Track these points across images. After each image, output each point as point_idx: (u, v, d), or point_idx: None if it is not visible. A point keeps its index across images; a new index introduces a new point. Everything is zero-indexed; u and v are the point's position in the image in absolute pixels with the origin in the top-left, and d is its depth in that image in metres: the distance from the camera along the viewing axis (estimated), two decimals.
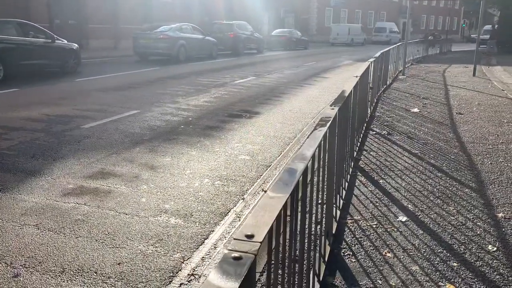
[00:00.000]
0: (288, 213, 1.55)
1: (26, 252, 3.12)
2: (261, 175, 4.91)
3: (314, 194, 2.32)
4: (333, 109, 2.91)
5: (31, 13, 19.22)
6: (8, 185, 4.34)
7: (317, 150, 2.16)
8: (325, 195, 2.80)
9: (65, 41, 13.63)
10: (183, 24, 19.32)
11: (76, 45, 14.11)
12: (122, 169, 4.90)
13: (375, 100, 8.78)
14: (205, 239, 3.43)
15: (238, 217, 3.85)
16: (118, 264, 3.01)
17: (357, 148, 5.43)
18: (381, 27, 45.23)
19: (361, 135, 6.06)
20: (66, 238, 3.33)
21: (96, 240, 3.31)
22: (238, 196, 4.29)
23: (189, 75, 13.72)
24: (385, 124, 7.13)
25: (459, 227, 3.51)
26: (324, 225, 2.86)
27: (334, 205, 3.29)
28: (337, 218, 3.47)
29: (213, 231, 3.57)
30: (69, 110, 7.84)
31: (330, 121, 2.53)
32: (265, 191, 4.42)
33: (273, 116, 8.00)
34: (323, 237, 2.85)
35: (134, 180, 4.60)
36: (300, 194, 1.77)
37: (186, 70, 15.21)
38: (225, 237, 3.47)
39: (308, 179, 1.97)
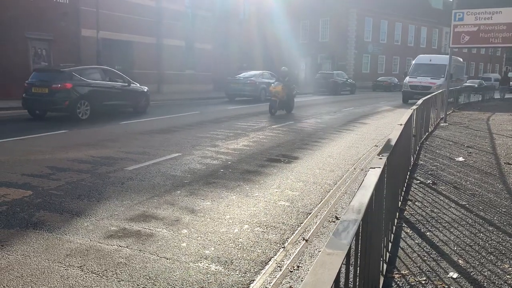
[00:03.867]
0: (343, 270, 1.50)
1: None
2: (301, 223, 4.81)
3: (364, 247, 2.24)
4: (381, 158, 2.86)
5: (82, 59, 20.42)
6: (55, 225, 4.46)
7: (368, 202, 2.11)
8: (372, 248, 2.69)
9: (138, 85, 14.97)
10: (264, 72, 23.62)
11: (147, 88, 15.47)
12: (164, 212, 4.94)
13: (418, 148, 8.59)
14: None
15: (279, 266, 3.75)
16: None
17: (401, 198, 5.27)
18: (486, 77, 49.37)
19: (405, 184, 5.89)
20: (109, 281, 3.33)
21: (138, 285, 3.29)
22: (278, 244, 4.21)
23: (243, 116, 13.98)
24: (429, 173, 6.91)
25: None
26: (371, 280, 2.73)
27: (381, 259, 3.16)
28: (384, 272, 3.33)
29: (253, 280, 3.48)
30: (114, 152, 8.09)
31: (380, 171, 2.48)
32: (306, 240, 4.32)
33: (312, 162, 7.95)
34: None
35: (175, 223, 4.61)
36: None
37: (240, 111, 15.53)
38: None
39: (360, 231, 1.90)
